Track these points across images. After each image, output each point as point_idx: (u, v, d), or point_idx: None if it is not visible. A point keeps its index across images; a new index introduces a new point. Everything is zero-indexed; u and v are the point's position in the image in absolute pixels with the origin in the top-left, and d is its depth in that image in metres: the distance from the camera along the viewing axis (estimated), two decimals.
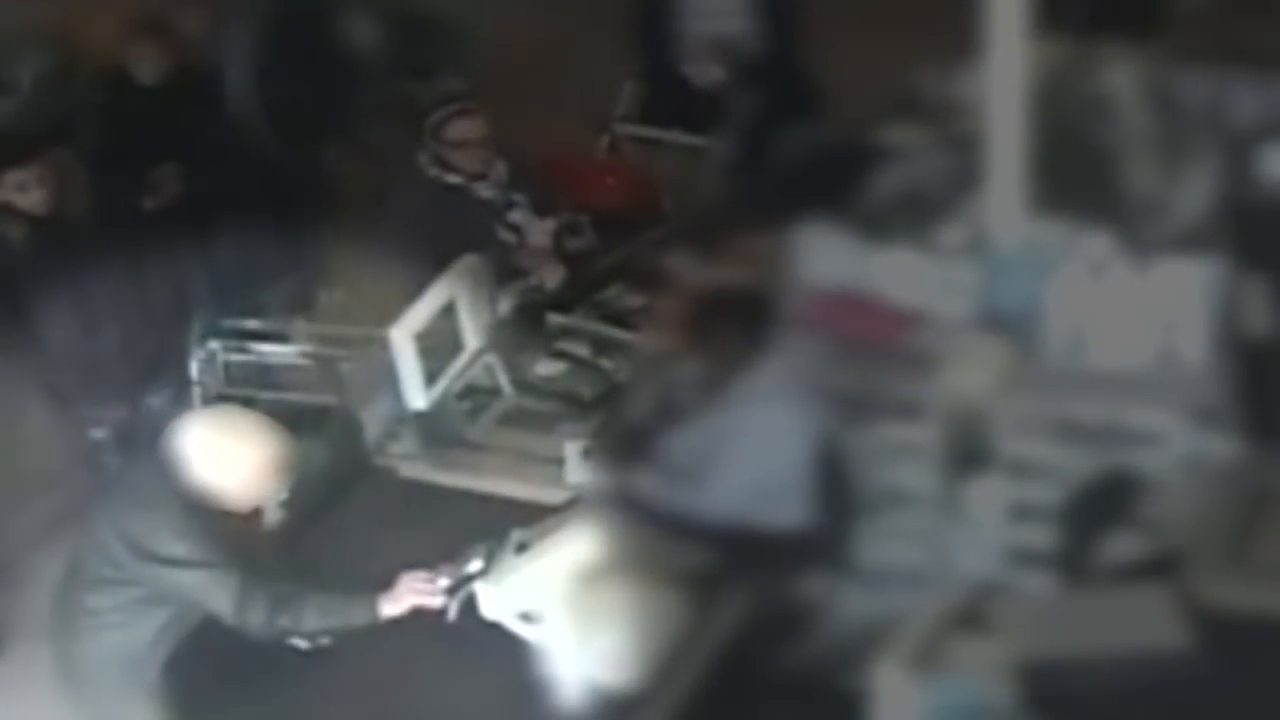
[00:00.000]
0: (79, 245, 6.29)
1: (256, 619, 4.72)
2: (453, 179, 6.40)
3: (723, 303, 4.81)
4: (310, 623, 4.76)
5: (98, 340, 6.23)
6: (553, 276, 6.31)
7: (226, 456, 4.81)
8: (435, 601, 4.78)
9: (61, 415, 6.39)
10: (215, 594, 4.74)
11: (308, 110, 7.43)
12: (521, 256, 6.36)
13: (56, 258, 6.19)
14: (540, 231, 6.43)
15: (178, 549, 4.73)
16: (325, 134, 7.64)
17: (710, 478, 4.75)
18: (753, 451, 4.70)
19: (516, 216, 6.43)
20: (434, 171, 6.41)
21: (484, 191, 6.43)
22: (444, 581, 4.79)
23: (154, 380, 6.32)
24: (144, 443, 5.06)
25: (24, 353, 6.14)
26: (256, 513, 5.01)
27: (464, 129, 6.40)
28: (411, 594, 4.79)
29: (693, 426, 4.83)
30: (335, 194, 7.58)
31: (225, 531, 4.80)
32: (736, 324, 4.77)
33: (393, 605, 4.79)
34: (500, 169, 6.46)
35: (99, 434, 6.29)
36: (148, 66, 7.26)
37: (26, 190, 6.20)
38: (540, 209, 6.47)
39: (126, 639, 4.86)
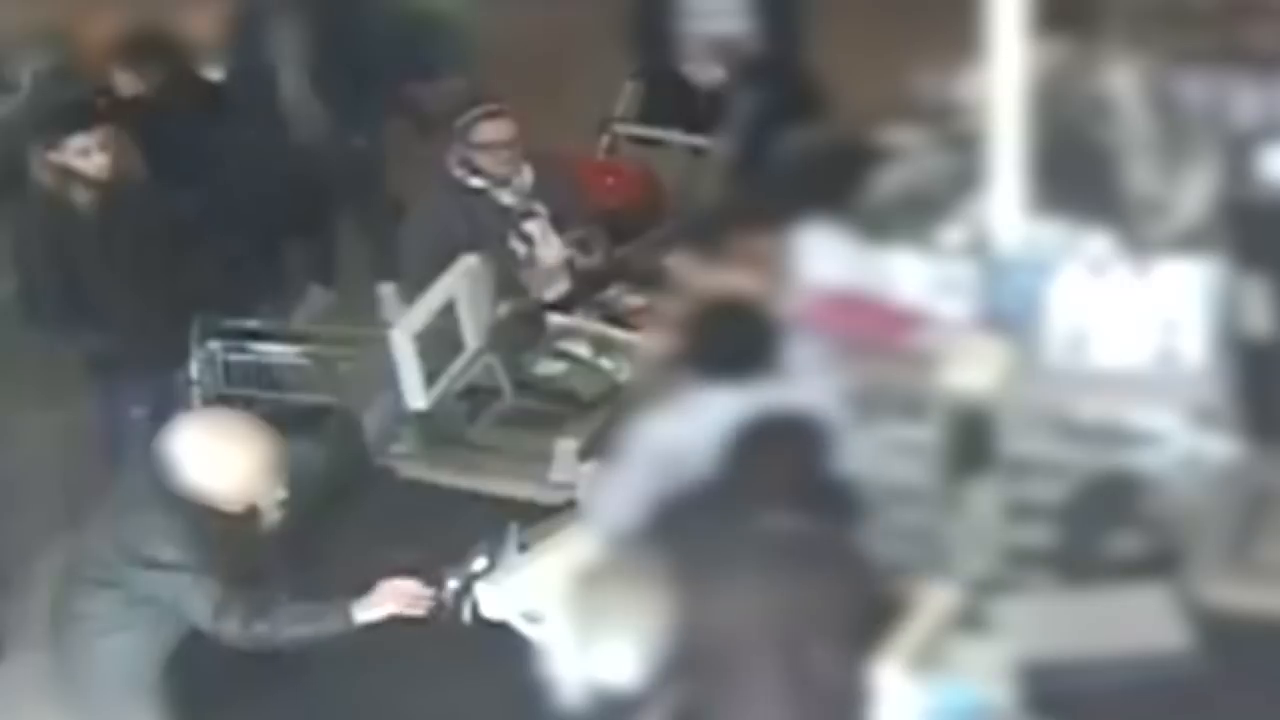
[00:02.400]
0: (139, 212, 6.32)
1: (231, 627, 4.70)
2: (476, 182, 6.39)
3: (711, 317, 4.77)
4: (286, 631, 4.74)
5: (148, 309, 6.24)
6: (553, 292, 6.31)
7: (218, 459, 4.80)
8: (416, 608, 4.77)
9: (106, 391, 6.41)
10: (193, 599, 4.72)
11: (361, 101, 7.47)
12: (526, 271, 6.35)
13: (118, 222, 6.23)
14: (552, 245, 6.42)
15: (161, 552, 4.72)
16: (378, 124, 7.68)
17: (614, 483, 4.74)
18: (644, 463, 4.65)
19: (531, 226, 6.42)
20: (459, 173, 6.40)
21: (505, 197, 6.41)
22: (452, 583, 4.80)
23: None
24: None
25: (75, 323, 6.18)
26: (253, 512, 4.99)
27: (491, 131, 6.38)
28: (391, 599, 4.77)
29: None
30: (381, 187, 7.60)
31: (220, 533, 4.79)
32: (720, 339, 4.71)
33: (369, 611, 4.77)
34: (526, 175, 6.44)
35: (139, 411, 6.28)
36: (143, 77, 7.22)
37: (89, 155, 6.17)
38: (560, 222, 6.45)
39: (121, 642, 4.84)
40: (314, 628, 4.76)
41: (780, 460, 4.33)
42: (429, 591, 4.78)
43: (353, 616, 4.76)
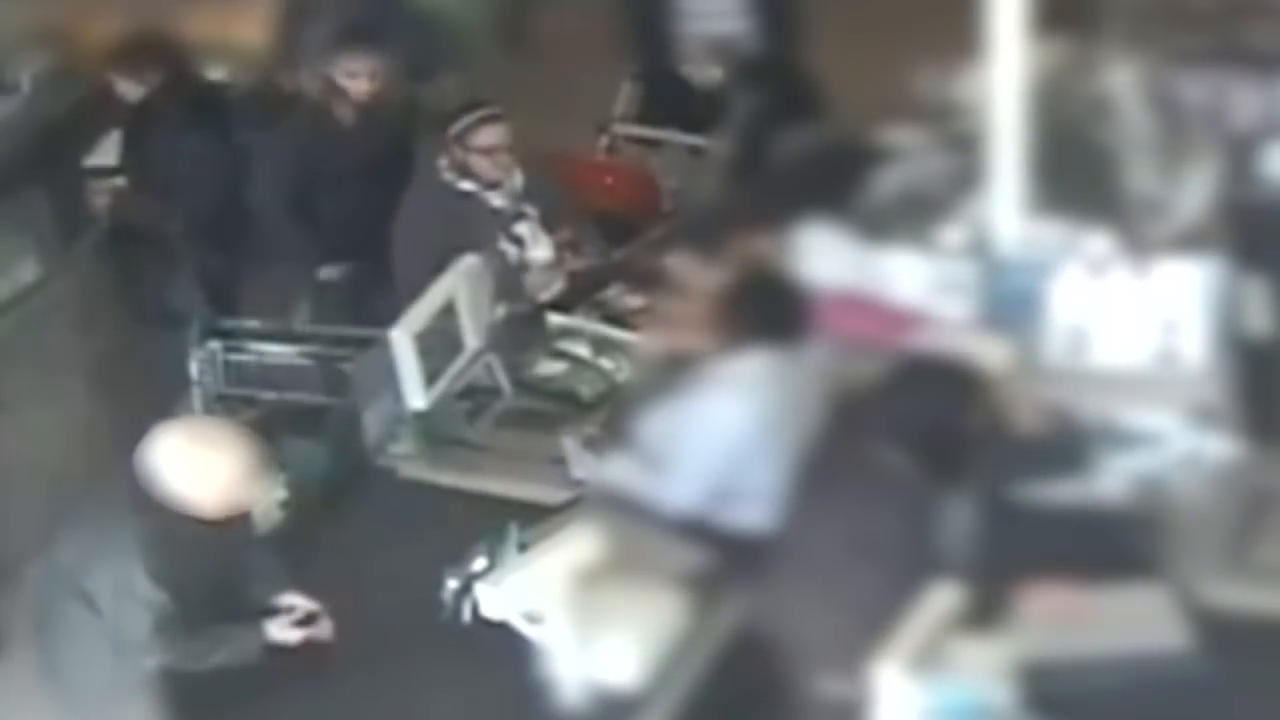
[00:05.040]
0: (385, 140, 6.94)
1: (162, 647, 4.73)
2: (466, 185, 6.39)
3: (737, 292, 4.80)
4: (205, 663, 4.76)
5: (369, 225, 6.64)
6: (548, 294, 6.31)
7: (197, 468, 4.74)
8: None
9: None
10: (130, 613, 4.72)
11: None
12: (520, 273, 6.35)
13: (367, 143, 6.87)
14: (543, 247, 6.42)
15: (103, 564, 4.71)
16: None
17: (673, 467, 4.75)
18: (705, 442, 4.69)
19: (522, 229, 6.42)
20: (449, 176, 6.40)
21: (495, 200, 6.41)
22: (452, 583, 4.81)
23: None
24: None
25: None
26: (237, 515, 4.94)
27: (490, 136, 6.38)
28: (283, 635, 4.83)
29: (664, 410, 4.82)
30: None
31: (199, 537, 4.75)
32: (750, 309, 4.74)
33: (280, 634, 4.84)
34: (517, 178, 6.44)
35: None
36: (141, 81, 7.20)
37: (356, 78, 6.82)
38: (550, 224, 6.45)
39: (102, 646, 4.81)
40: (225, 652, 4.78)
41: (920, 399, 4.36)
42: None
43: (264, 636, 4.80)
